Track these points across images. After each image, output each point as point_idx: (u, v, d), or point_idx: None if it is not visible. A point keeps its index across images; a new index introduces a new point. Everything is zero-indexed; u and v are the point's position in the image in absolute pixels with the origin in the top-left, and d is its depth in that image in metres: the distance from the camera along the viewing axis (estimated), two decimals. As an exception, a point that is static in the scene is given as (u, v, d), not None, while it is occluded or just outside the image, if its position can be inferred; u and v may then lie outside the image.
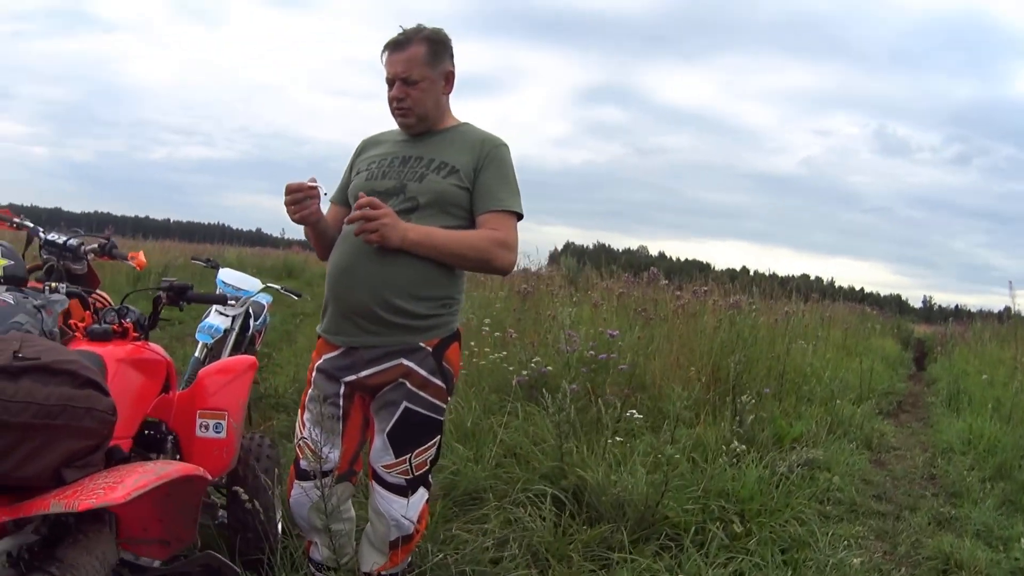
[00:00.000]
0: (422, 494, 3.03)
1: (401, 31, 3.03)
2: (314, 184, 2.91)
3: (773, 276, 10.08)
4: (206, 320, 6.08)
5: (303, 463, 3.08)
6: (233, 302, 5.56)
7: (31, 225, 4.31)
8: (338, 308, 3.01)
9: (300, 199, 2.89)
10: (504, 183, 3.03)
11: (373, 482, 3.04)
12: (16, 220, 4.38)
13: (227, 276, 6.56)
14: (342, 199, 3.21)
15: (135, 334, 3.17)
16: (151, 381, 3.08)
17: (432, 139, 3.10)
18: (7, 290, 3.01)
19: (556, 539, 3.81)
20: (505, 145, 3.11)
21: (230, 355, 5.91)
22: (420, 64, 2.99)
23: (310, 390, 3.09)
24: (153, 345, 3.23)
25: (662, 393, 6.04)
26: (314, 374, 3.11)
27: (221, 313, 6.14)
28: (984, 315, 15.85)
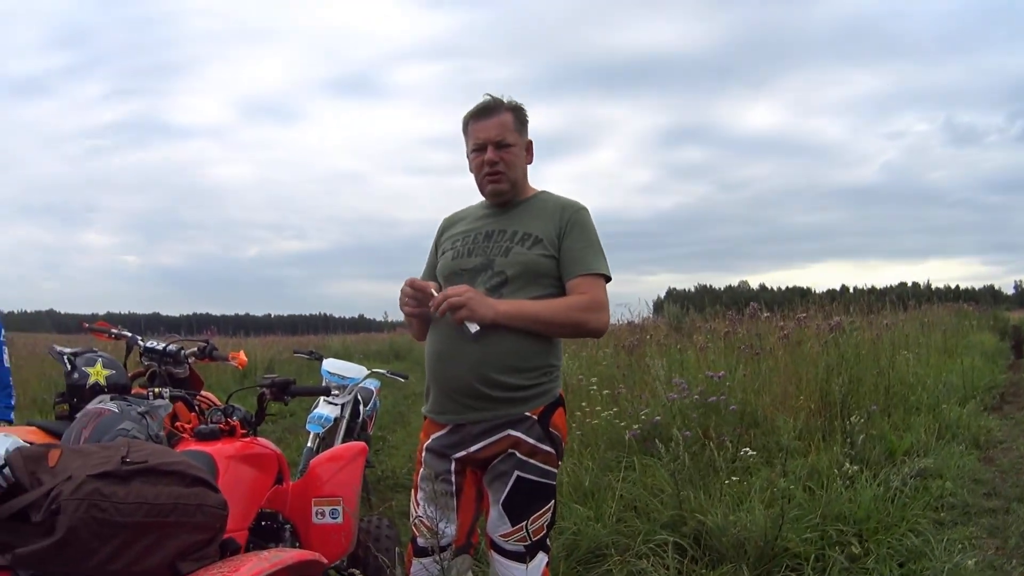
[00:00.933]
0: (541, 559, 3.01)
1: (488, 97, 3.08)
2: (436, 292, 2.93)
3: (871, 290, 10.09)
4: (315, 411, 6.21)
5: (420, 540, 3.10)
6: (337, 392, 6.10)
7: (129, 334, 4.39)
8: (441, 389, 3.04)
9: (420, 298, 2.97)
10: (589, 247, 3.04)
11: (492, 552, 3.05)
12: (114, 331, 4.51)
13: (331, 366, 6.64)
14: (431, 279, 3.20)
15: (242, 431, 3.28)
16: (263, 474, 3.19)
17: (514, 211, 3.13)
18: (111, 399, 3.09)
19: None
20: (585, 209, 3.13)
21: (343, 442, 5.99)
22: (510, 129, 3.05)
23: (421, 469, 3.13)
24: (262, 440, 3.35)
25: (773, 426, 6.11)
26: (424, 454, 3.14)
27: (329, 402, 6.24)
28: None
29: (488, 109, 3.07)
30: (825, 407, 6.31)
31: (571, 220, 3.06)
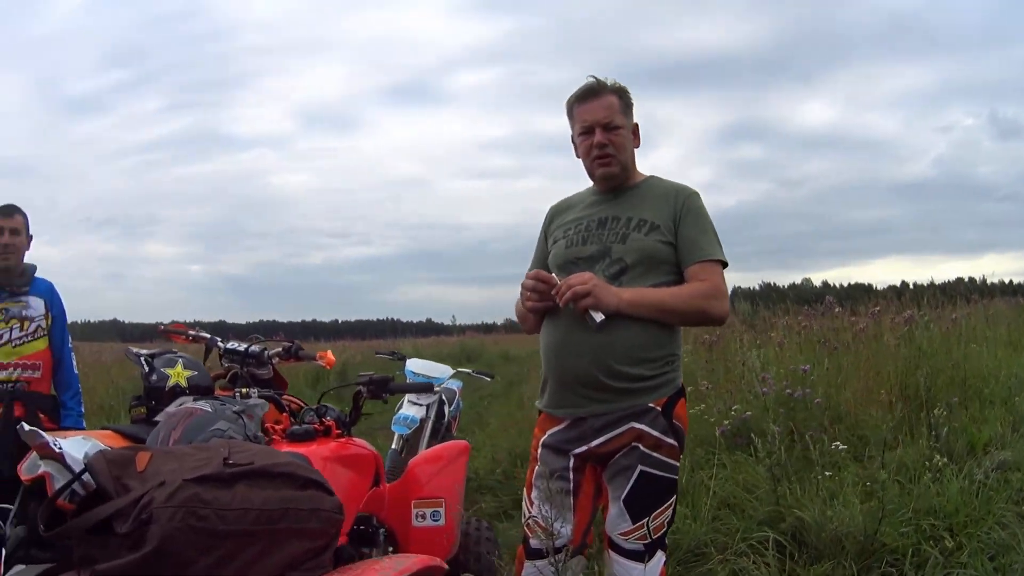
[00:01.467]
0: (660, 557, 2.92)
1: (592, 79, 3.00)
2: (556, 282, 2.86)
3: (932, 285, 10.12)
4: (400, 411, 6.11)
5: (534, 542, 2.99)
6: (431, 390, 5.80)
7: (208, 336, 4.31)
8: (560, 381, 2.96)
9: (544, 291, 2.89)
10: (704, 232, 2.97)
11: (610, 551, 2.96)
12: (192, 332, 4.47)
13: (416, 366, 6.60)
14: (542, 269, 3.08)
15: (337, 431, 3.11)
16: (360, 476, 3.02)
17: (624, 196, 3.05)
18: (201, 399, 3.02)
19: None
20: (697, 193, 3.05)
21: (427, 443, 5.92)
22: (617, 112, 2.97)
23: (536, 467, 3.04)
24: (358, 440, 3.16)
25: (859, 421, 6.11)
26: (539, 450, 3.05)
27: (414, 403, 6.14)
28: None
29: (593, 91, 2.99)
30: (906, 400, 6.32)
31: (685, 205, 2.99)
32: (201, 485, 1.93)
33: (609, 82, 3.01)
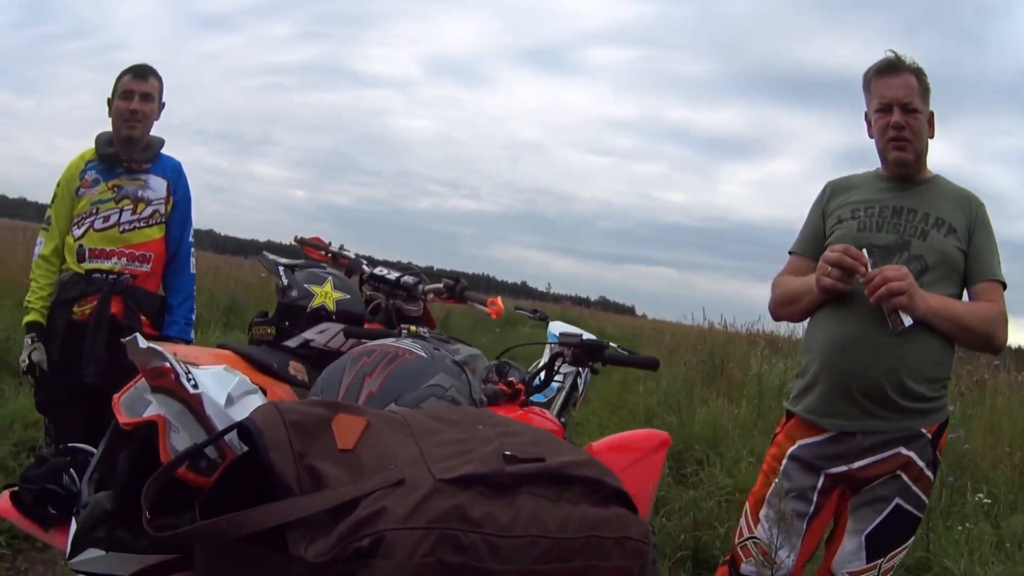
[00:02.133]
0: None
1: (891, 54, 2.77)
2: (867, 263, 2.56)
3: None
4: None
5: (747, 567, 2.76)
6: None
7: (352, 256, 3.75)
8: (838, 385, 2.64)
9: (851, 268, 2.56)
10: (993, 249, 2.74)
11: None
12: (333, 250, 3.84)
13: (559, 328, 5.62)
14: (812, 251, 2.87)
15: (523, 397, 2.57)
16: None
17: (917, 189, 2.78)
18: (409, 337, 2.30)
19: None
20: (984, 205, 2.80)
21: (558, 415, 4.97)
22: (916, 94, 2.72)
23: (775, 481, 2.73)
24: (541, 410, 2.64)
25: (987, 476, 5.73)
26: (785, 462, 2.75)
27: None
28: None
29: (893, 66, 2.75)
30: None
31: (979, 215, 2.74)
32: (467, 491, 1.27)
33: (908, 60, 2.76)
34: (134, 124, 3.79)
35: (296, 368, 2.69)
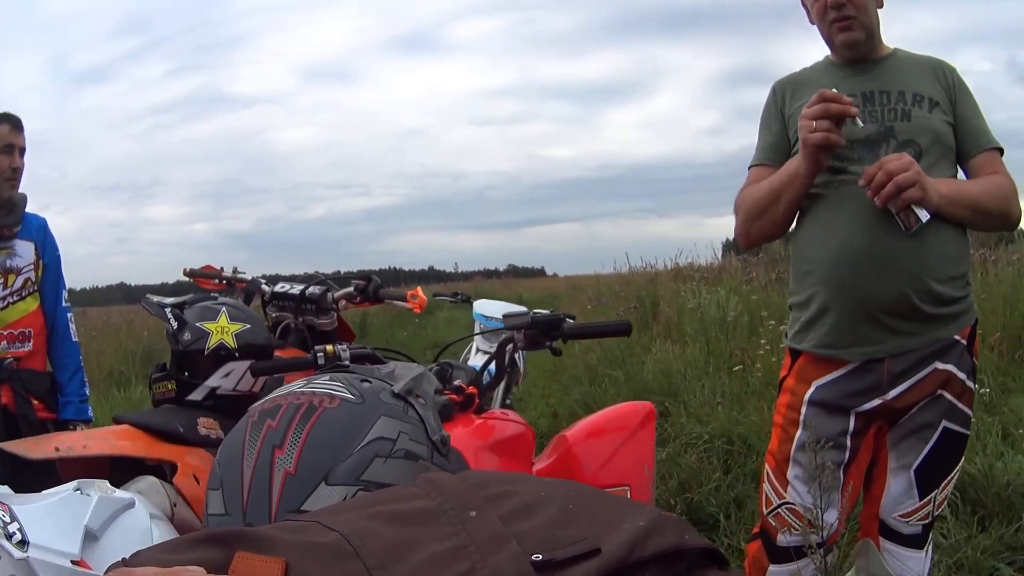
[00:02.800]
0: (930, 540, 2.41)
1: None
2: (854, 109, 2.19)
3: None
4: (470, 362, 4.89)
5: (785, 538, 2.38)
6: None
7: (249, 277, 3.35)
8: (855, 308, 2.27)
9: (839, 114, 2.17)
10: (980, 114, 2.42)
11: (882, 539, 2.39)
12: (226, 275, 3.43)
13: (486, 308, 5.43)
14: (776, 158, 2.49)
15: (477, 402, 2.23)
16: (522, 465, 2.18)
17: (880, 69, 2.43)
18: (326, 370, 1.75)
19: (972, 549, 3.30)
20: (956, 69, 2.48)
21: (502, 400, 4.79)
22: None
23: (798, 433, 2.36)
24: (509, 412, 2.33)
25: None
26: (804, 410, 2.36)
27: (484, 351, 5.08)
28: None
29: None
30: (1013, 342, 5.69)
31: (956, 81, 2.42)
32: None
33: None
34: (16, 183, 3.37)
35: (207, 425, 2.36)
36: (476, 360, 4.95)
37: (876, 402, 2.30)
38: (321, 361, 2.05)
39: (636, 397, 5.95)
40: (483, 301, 5.56)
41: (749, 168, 2.57)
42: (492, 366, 2.55)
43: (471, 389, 2.13)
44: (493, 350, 3.38)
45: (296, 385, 1.56)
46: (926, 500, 2.32)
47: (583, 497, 1.00)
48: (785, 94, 2.54)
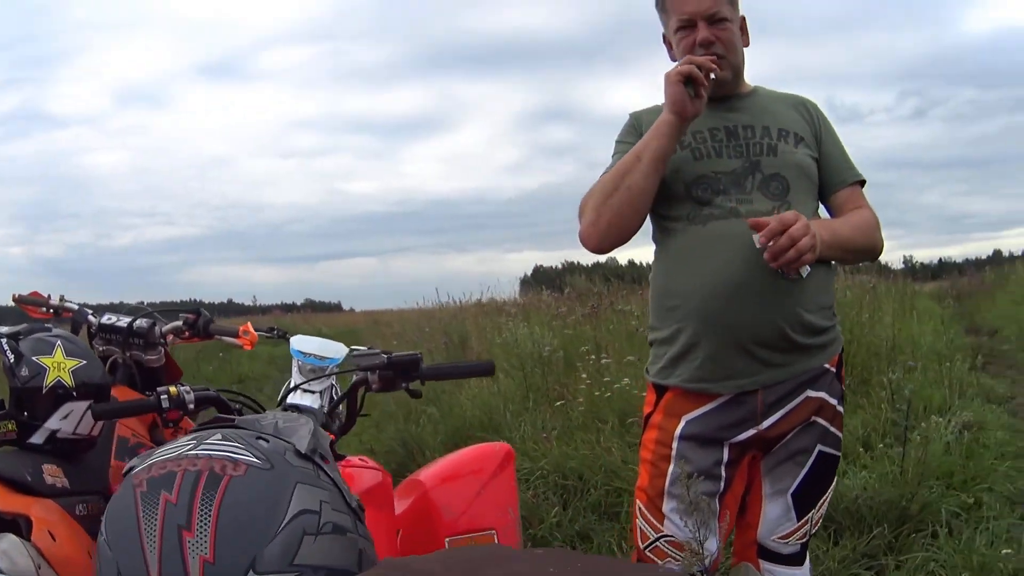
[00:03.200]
0: (807, 555, 2.45)
1: None
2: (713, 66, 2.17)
3: None
4: (290, 402, 4.96)
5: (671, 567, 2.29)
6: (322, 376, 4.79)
7: (76, 307, 3.16)
8: (729, 342, 2.23)
9: (702, 76, 2.14)
10: (843, 149, 2.45)
11: (762, 561, 2.39)
12: (54, 304, 3.23)
13: (305, 344, 4.87)
14: None
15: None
16: (383, 514, 2.07)
17: (743, 104, 2.41)
18: (216, 426, 1.50)
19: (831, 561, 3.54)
20: (817, 104, 2.50)
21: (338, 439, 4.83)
22: (723, 1, 2.30)
23: (671, 468, 2.31)
24: (366, 459, 2.27)
25: None
26: (676, 445, 2.31)
27: (308, 391, 4.85)
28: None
29: None
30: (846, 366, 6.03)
31: (820, 117, 2.44)
32: None
33: None
34: None
35: (52, 473, 2.20)
36: (300, 398, 4.71)
37: (750, 432, 2.27)
38: (165, 404, 1.88)
39: (456, 433, 6.21)
40: (300, 337, 5.26)
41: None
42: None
43: (330, 435, 1.96)
44: (314, 389, 3.08)
45: (183, 445, 1.37)
46: (804, 521, 2.34)
47: (596, 569, 0.88)
48: (642, 121, 2.45)
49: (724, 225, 2.22)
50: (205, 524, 1.22)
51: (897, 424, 4.72)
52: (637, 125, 2.46)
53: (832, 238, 2.23)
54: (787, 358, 2.23)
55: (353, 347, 3.03)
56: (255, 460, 1.32)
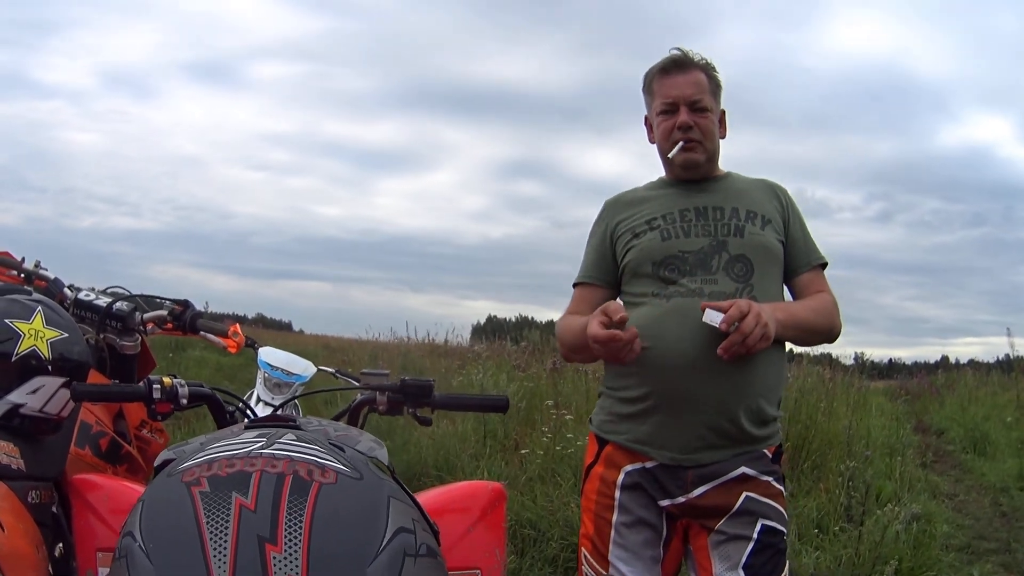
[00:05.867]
0: None
1: (678, 51, 2.49)
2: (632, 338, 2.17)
3: None
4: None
5: None
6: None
7: (52, 277, 2.89)
8: (679, 415, 2.25)
9: (623, 342, 2.16)
10: (808, 233, 2.53)
11: None
12: (27, 269, 2.90)
13: (272, 357, 4.42)
14: (600, 276, 2.53)
15: None
16: None
17: (714, 187, 2.49)
18: (274, 428, 1.34)
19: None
20: (787, 190, 2.59)
21: None
22: (706, 91, 2.44)
23: (614, 517, 2.37)
24: None
25: None
26: (619, 494, 2.37)
27: (269, 404, 4.56)
28: (969, 365, 16.97)
29: (679, 63, 2.46)
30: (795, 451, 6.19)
31: (789, 202, 2.52)
32: None
33: (696, 56, 2.48)
34: None
35: (7, 451, 1.93)
36: (261, 412, 4.55)
37: (680, 500, 2.29)
38: (157, 395, 1.75)
39: (409, 469, 6.16)
40: (270, 349, 5.02)
41: (574, 286, 2.61)
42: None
43: None
44: (275, 402, 3.25)
45: (247, 442, 1.20)
46: None
47: None
48: (615, 209, 2.58)
49: (688, 303, 2.26)
50: (296, 537, 1.05)
51: (851, 509, 4.85)
52: (608, 216, 2.58)
53: (790, 319, 2.29)
54: (729, 443, 2.26)
55: (321, 367, 3.13)
56: (343, 468, 1.18)
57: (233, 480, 1.09)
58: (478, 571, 2.07)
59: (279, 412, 2.71)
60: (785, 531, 2.31)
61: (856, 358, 11.25)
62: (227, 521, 1.03)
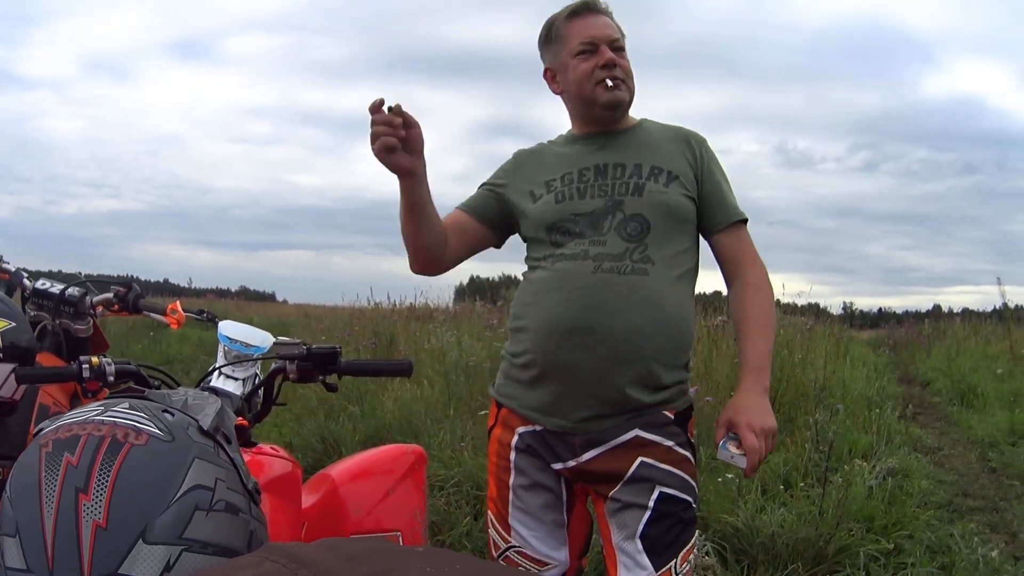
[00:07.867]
0: None
1: None
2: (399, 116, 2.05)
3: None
4: (211, 384, 4.79)
5: None
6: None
7: (12, 269, 3.09)
8: (567, 382, 2.16)
9: (396, 125, 2.04)
10: (728, 186, 2.38)
11: None
12: None
13: (231, 330, 4.85)
14: (477, 212, 2.43)
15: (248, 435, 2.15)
16: (292, 506, 2.04)
17: (621, 141, 2.36)
18: (121, 398, 1.40)
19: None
20: (706, 140, 2.44)
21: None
22: (620, 34, 2.33)
23: (512, 479, 2.30)
24: (278, 448, 2.22)
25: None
26: (514, 456, 2.30)
27: (230, 376, 4.74)
28: (962, 314, 16.82)
29: (590, 6, 2.34)
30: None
31: (704, 153, 2.36)
32: None
33: (603, 3, 2.37)
34: None
35: None
36: (219, 383, 4.64)
37: (572, 463, 2.21)
38: (86, 374, 1.87)
39: (375, 434, 6.15)
40: (228, 323, 5.18)
41: (458, 209, 2.50)
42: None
43: (242, 421, 2.03)
44: (237, 376, 3.05)
45: (92, 410, 1.35)
46: (665, 570, 2.12)
47: (472, 570, 0.76)
48: (518, 165, 2.49)
49: (571, 266, 2.19)
50: (101, 489, 1.22)
51: (819, 465, 4.67)
52: (509, 172, 2.48)
53: (766, 366, 2.24)
54: (616, 412, 2.15)
55: (279, 337, 2.97)
56: (157, 431, 1.32)
57: (68, 442, 1.27)
58: (398, 533, 2.27)
59: (240, 383, 2.68)
60: (691, 500, 2.18)
61: (844, 307, 11.12)
62: (56, 475, 1.24)
